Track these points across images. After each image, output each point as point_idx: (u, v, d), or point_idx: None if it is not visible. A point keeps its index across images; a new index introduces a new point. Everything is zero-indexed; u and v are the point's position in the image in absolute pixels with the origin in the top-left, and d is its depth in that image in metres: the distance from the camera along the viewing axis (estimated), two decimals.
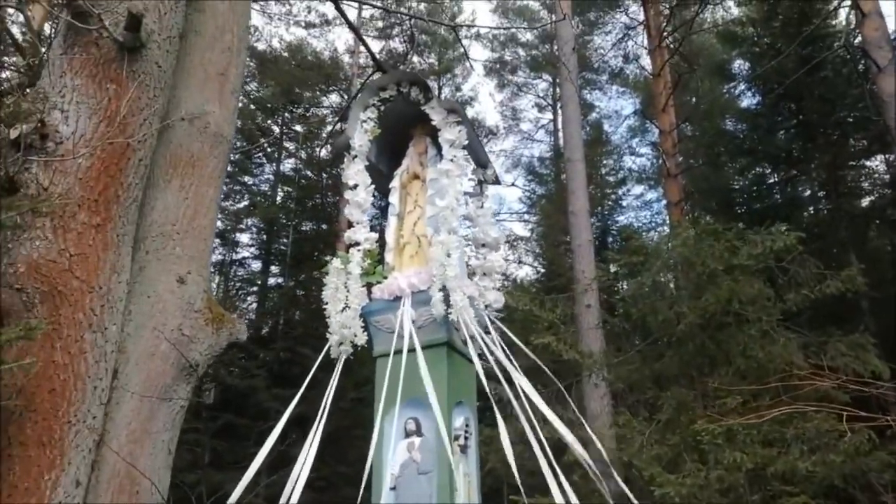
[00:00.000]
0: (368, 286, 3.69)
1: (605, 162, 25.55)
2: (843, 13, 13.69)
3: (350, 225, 3.92)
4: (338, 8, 8.04)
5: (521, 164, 27.14)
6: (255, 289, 22.18)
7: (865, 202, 16.33)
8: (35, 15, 7.26)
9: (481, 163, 3.95)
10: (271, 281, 22.18)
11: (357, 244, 3.81)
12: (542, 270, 23.85)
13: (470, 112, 24.35)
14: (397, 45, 23.00)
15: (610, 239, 23.59)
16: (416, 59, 23.83)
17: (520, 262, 25.25)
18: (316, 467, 3.35)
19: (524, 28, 24.85)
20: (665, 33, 17.06)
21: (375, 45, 20.75)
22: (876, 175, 16.86)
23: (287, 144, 23.39)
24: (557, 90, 23.81)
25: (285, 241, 21.59)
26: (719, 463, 6.93)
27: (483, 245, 3.84)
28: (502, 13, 26.45)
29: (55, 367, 3.52)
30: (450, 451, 2.94)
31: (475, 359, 3.30)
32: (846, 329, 8.59)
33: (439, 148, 3.76)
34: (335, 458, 12.67)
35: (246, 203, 22.51)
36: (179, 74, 4.86)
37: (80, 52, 4.12)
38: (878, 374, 7.61)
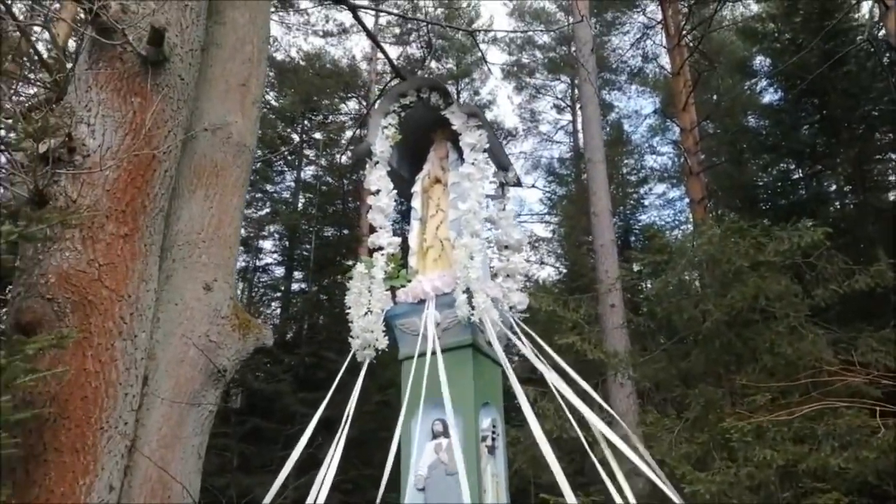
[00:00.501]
0: (392, 290, 3.72)
1: (625, 161, 25.39)
2: (865, 6, 13.55)
3: (373, 230, 3.96)
4: (356, 16, 8.12)
5: (541, 165, 27.10)
6: (278, 294, 22.34)
7: (893, 196, 16.06)
8: (59, 32, 7.40)
9: (502, 165, 3.97)
10: (294, 286, 22.33)
11: (380, 248, 3.85)
12: (564, 271, 23.77)
13: (489, 115, 24.31)
14: (415, 50, 23.05)
15: (633, 238, 23.43)
16: (433, 64, 23.87)
17: (541, 263, 25.19)
18: (343, 469, 3.39)
19: (541, 30, 24.82)
20: (684, 31, 16.93)
21: (393, 52, 20.79)
22: None
23: (307, 152, 23.56)
24: (576, 91, 23.74)
25: (308, 246, 21.72)
26: (749, 460, 6.87)
27: (506, 247, 3.86)
28: (519, 16, 26.42)
29: (87, 375, 3.58)
30: (458, 452, 2.94)
31: (503, 359, 3.32)
32: (876, 324, 8.46)
33: (460, 152, 3.79)
34: (362, 460, 12.73)
35: (268, 210, 22.71)
36: (202, 86, 4.93)
37: (104, 67, 4.19)
38: None
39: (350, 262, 3.82)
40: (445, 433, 3.13)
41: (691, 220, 16.58)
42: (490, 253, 3.84)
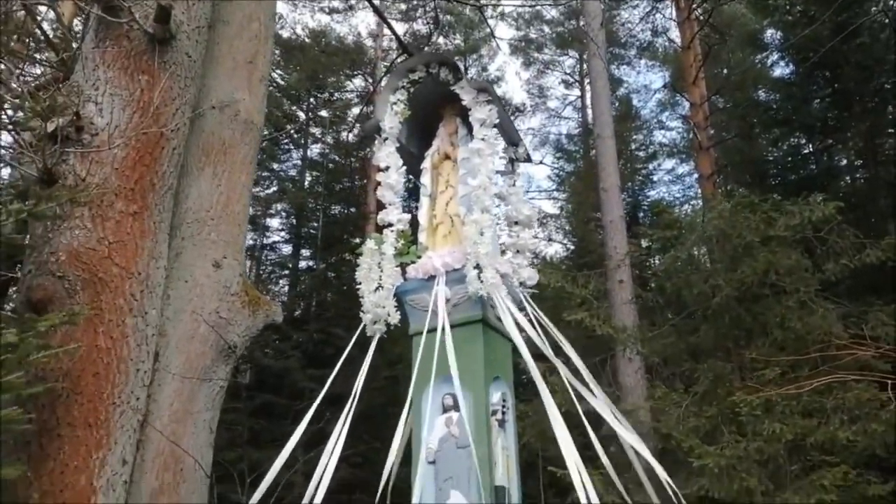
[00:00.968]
0: (402, 266, 3.73)
1: (634, 137, 25.17)
2: None
3: (382, 206, 3.95)
4: None
5: (549, 141, 26.88)
6: (286, 272, 22.44)
7: None
8: (65, 11, 7.36)
9: (512, 141, 3.95)
10: (302, 264, 22.42)
11: (390, 225, 3.85)
12: (572, 247, 23.70)
13: (497, 91, 24.13)
14: (421, 27, 22.82)
15: (641, 214, 23.32)
16: (441, 40, 23.63)
17: (549, 239, 25.13)
18: (352, 444, 3.43)
19: (550, 4, 24.51)
20: (694, 5, 16.68)
21: (399, 28, 20.57)
22: None
23: (313, 130, 23.49)
24: (584, 66, 23.49)
25: (315, 224, 21.77)
26: (758, 434, 6.89)
27: (516, 223, 3.85)
28: None
29: (98, 351, 3.62)
30: (466, 426, 2.96)
31: (515, 334, 3.33)
32: (886, 299, 8.42)
33: (469, 128, 3.77)
34: (371, 434, 12.86)
35: (275, 189, 22.72)
36: (209, 63, 4.91)
37: (111, 46, 4.18)
38: None
39: (357, 240, 3.83)
40: (456, 407, 3.15)
41: (700, 195, 16.47)
42: (498, 229, 3.83)
